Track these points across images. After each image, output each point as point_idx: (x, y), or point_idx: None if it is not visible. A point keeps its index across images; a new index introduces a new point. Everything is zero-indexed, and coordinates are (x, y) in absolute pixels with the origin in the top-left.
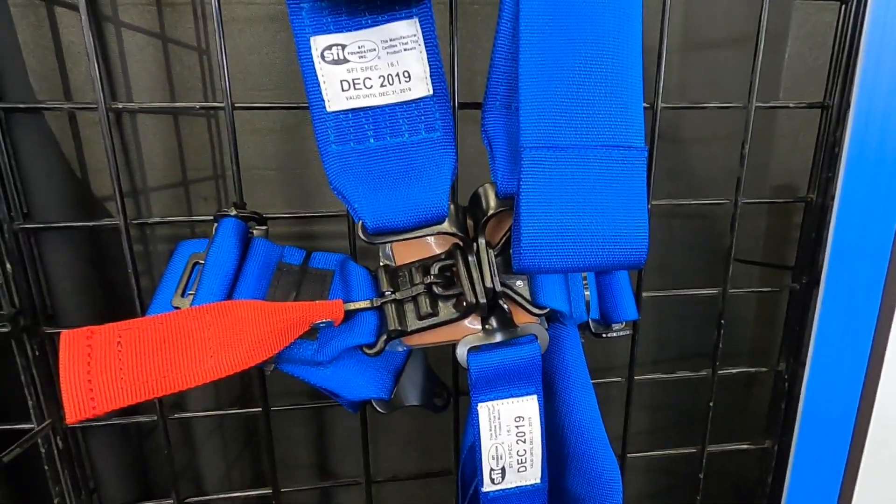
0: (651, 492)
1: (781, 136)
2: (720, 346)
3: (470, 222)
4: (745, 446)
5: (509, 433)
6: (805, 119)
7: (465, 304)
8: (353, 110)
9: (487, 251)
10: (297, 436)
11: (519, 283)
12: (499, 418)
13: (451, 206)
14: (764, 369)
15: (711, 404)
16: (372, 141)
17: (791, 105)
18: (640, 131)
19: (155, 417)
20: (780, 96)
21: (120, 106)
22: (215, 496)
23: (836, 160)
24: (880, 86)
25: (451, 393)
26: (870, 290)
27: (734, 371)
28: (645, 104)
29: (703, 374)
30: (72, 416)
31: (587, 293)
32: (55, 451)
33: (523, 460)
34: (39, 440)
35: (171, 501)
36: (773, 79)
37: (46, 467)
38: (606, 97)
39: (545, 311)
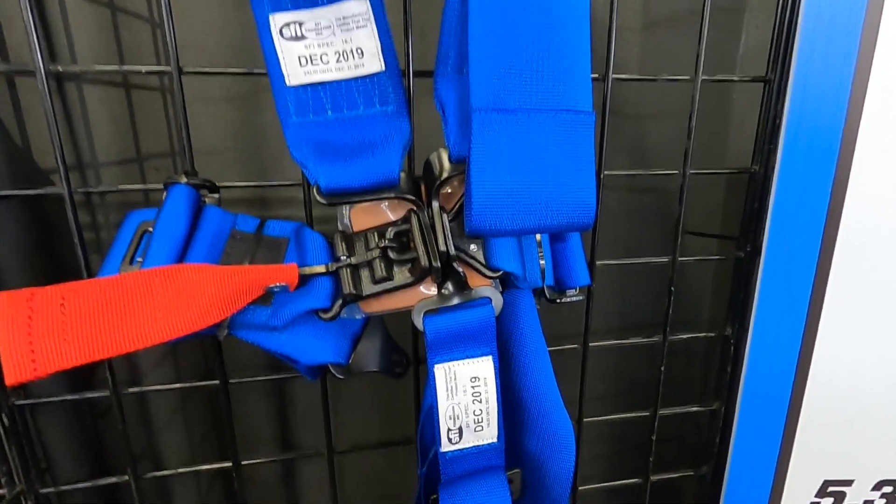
0: (608, 455)
1: (739, 113)
2: (671, 313)
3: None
4: (695, 409)
5: (465, 393)
6: (759, 96)
7: (419, 268)
8: (312, 85)
9: (441, 215)
10: (259, 410)
11: (473, 246)
12: (455, 379)
13: (403, 175)
14: (712, 334)
15: (662, 369)
16: (329, 113)
17: (735, 79)
18: (587, 96)
19: (108, 393)
20: (736, 71)
21: (60, 69)
22: (174, 471)
23: (776, 133)
24: (816, 60)
25: (409, 359)
26: (806, 257)
27: (684, 337)
28: (596, 76)
29: (654, 339)
30: (11, 377)
31: (542, 261)
32: (0, 430)
33: (480, 420)
34: None
35: (128, 477)
36: (730, 54)
37: None
38: (555, 62)
39: (499, 273)
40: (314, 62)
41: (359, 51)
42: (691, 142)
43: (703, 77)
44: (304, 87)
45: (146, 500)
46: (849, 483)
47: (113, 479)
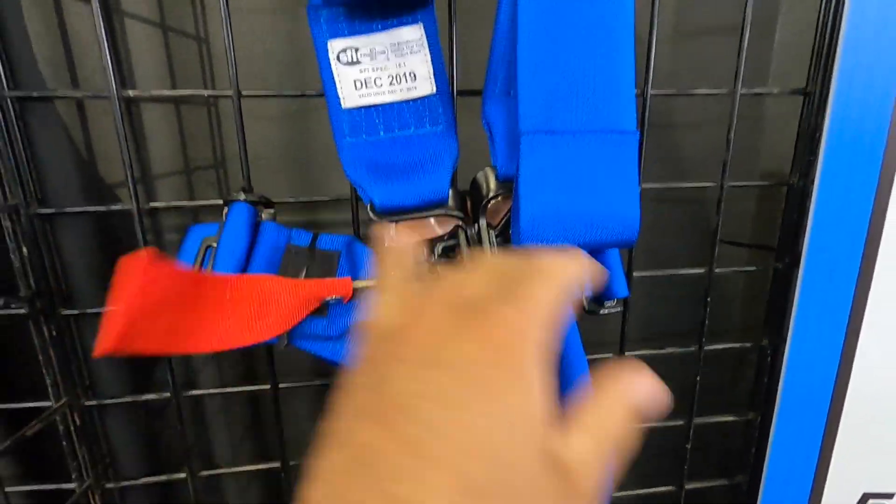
0: (635, 463)
1: (771, 122)
2: (706, 322)
3: (470, 205)
4: (730, 418)
5: None
6: (793, 105)
7: None
8: (366, 107)
9: (488, 231)
10: (303, 413)
11: None
12: None
13: (451, 192)
14: (748, 344)
15: (698, 378)
16: (382, 134)
17: (775, 92)
18: (632, 116)
19: (168, 394)
20: (768, 83)
21: (131, 94)
22: (227, 469)
23: (816, 145)
24: (859, 73)
25: None
26: (847, 269)
27: (720, 347)
28: (636, 91)
29: (690, 349)
30: (105, 345)
31: None
32: (72, 428)
33: None
34: (57, 418)
35: (185, 475)
36: (763, 65)
37: (64, 443)
38: (601, 84)
39: None
40: (368, 86)
41: (412, 75)
42: (730, 154)
43: (742, 91)
44: (359, 109)
45: (199, 496)
46: (889, 496)
47: (172, 476)
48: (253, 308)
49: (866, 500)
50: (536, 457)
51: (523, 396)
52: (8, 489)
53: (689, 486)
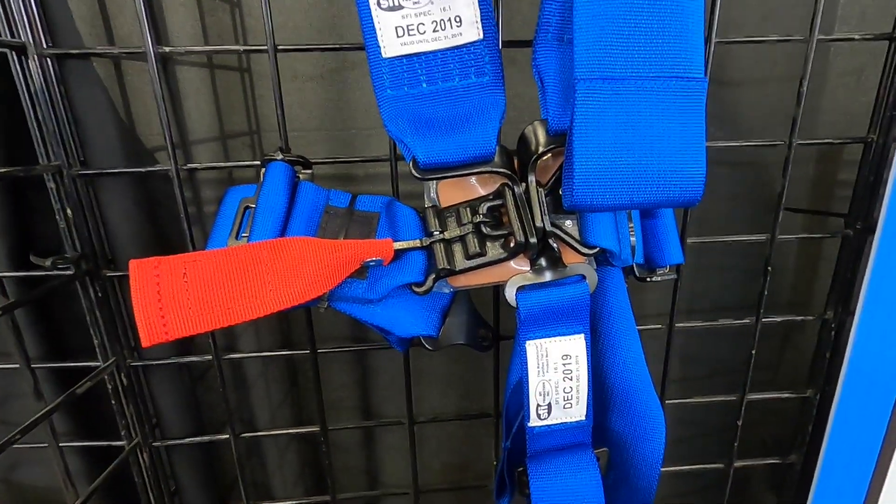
0: (677, 439)
1: (834, 76)
2: (766, 293)
3: (517, 164)
4: (786, 395)
5: (556, 370)
6: (869, 54)
7: (513, 243)
8: (408, 56)
9: (537, 190)
10: (341, 379)
11: (568, 222)
12: (546, 356)
13: (499, 148)
14: (811, 317)
15: (753, 352)
16: (424, 86)
17: (857, 37)
18: (700, 61)
19: (210, 357)
20: (835, 30)
21: (167, 50)
22: (267, 432)
23: None
24: None
25: (495, 332)
26: None
27: (779, 319)
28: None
29: (746, 321)
30: (147, 339)
31: (633, 237)
32: (120, 388)
33: (569, 397)
34: (105, 377)
35: (228, 436)
36: (829, 13)
37: (113, 402)
38: (665, 25)
39: (595, 250)
40: (411, 32)
41: (457, 19)
42: (801, 109)
43: (820, 37)
44: (400, 58)
45: (240, 457)
46: None
47: (215, 437)
48: (291, 269)
49: None
50: None
51: None
52: (63, 445)
53: (738, 463)
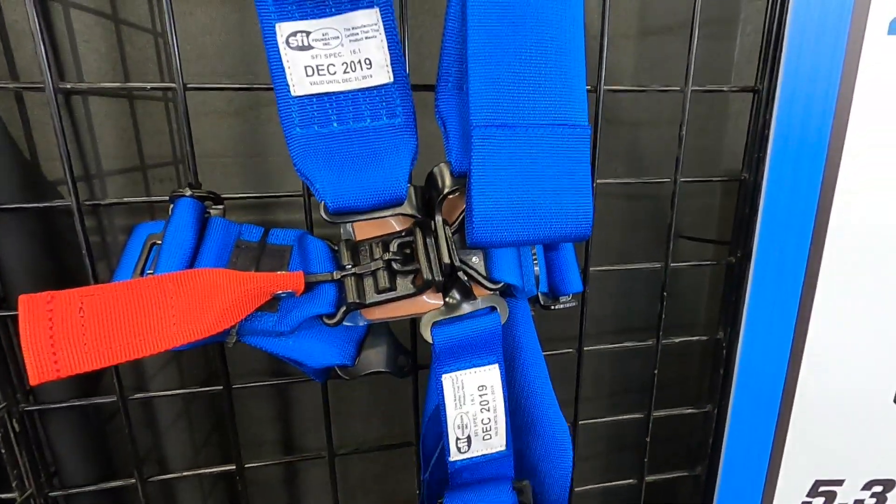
0: (605, 456)
1: (733, 115)
2: (663, 316)
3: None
4: (688, 411)
5: (473, 402)
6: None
7: (422, 280)
8: (318, 95)
9: (444, 228)
10: (262, 415)
11: (475, 258)
12: (462, 388)
13: (411, 188)
14: (704, 338)
15: (656, 372)
16: (335, 125)
17: (724, 89)
18: (583, 110)
19: (114, 398)
20: (732, 77)
21: (69, 86)
22: (179, 474)
23: (765, 142)
24: (803, 70)
25: (413, 358)
26: (795, 261)
27: (677, 341)
28: (589, 87)
29: (648, 343)
30: (35, 377)
31: (536, 269)
32: (11, 435)
33: (488, 428)
34: None
35: (134, 481)
36: (727, 60)
37: (3, 451)
38: (551, 77)
39: (500, 285)
40: (321, 72)
41: (367, 62)
42: (682, 150)
43: (694, 87)
44: (310, 97)
45: (152, 502)
46: (839, 483)
47: (119, 483)
48: (196, 302)
49: (818, 487)
50: None
51: None
52: None
53: (649, 478)
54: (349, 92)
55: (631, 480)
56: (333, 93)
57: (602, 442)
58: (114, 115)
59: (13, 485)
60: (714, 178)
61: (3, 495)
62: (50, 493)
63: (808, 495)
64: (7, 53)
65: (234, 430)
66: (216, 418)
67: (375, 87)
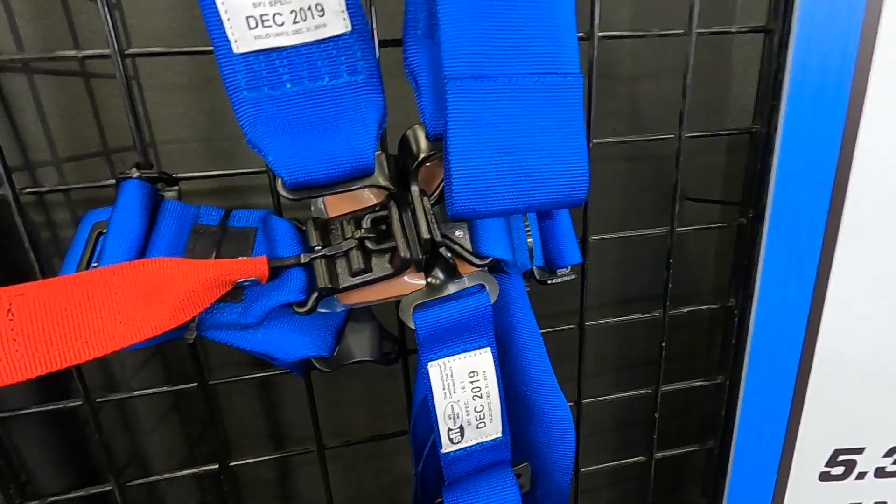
0: (612, 434)
1: (738, 66)
2: (670, 286)
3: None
4: (698, 383)
5: (464, 390)
6: (758, 47)
7: (400, 259)
8: (265, 51)
9: (422, 199)
10: (250, 408)
11: (458, 232)
12: (451, 376)
13: (382, 156)
14: (715, 306)
15: (663, 344)
16: (288, 86)
17: (733, 30)
18: (574, 57)
19: (80, 402)
20: (735, 22)
21: None
22: (158, 477)
23: (779, 88)
24: (820, 6)
25: (401, 343)
26: (813, 221)
27: (685, 310)
28: (581, 34)
29: (654, 315)
30: None
31: (530, 240)
32: None
33: (482, 416)
34: None
35: (111, 486)
36: (728, 5)
37: None
38: (536, 21)
39: (487, 260)
40: (266, 23)
41: (318, 7)
42: (686, 102)
43: (699, 30)
44: (256, 54)
45: None
46: (860, 451)
47: (96, 489)
48: (146, 296)
49: (837, 457)
50: None
51: None
52: None
53: (658, 454)
54: (301, 46)
55: (640, 458)
56: (283, 48)
57: (607, 420)
58: (59, 94)
59: None
60: (722, 132)
61: None
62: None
63: (826, 465)
64: None
65: (215, 427)
66: (208, 416)
67: (332, 39)
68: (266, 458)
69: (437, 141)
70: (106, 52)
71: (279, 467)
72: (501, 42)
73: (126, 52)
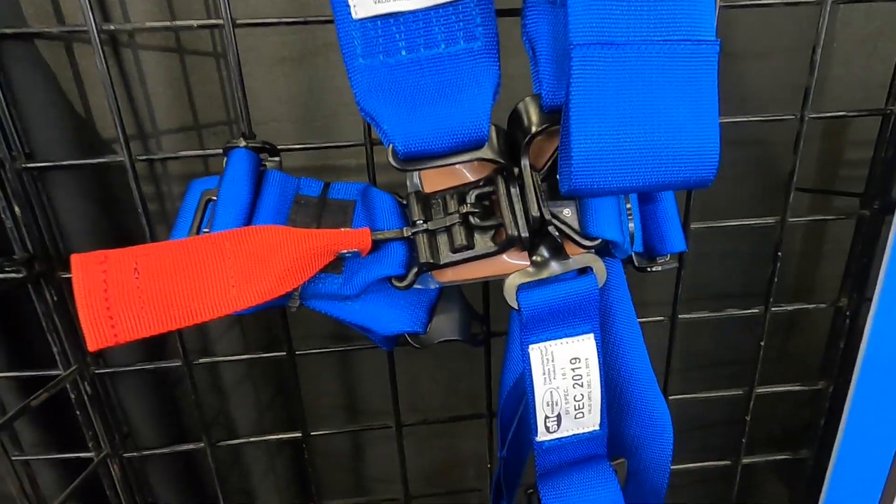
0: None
1: (846, 44)
2: (776, 281)
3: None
4: (797, 387)
5: (564, 377)
6: (886, 17)
7: (504, 236)
8: (383, 17)
9: (532, 175)
10: (326, 379)
11: (566, 211)
12: (552, 361)
13: (493, 129)
14: (823, 305)
15: (762, 343)
16: (404, 53)
17: None
18: (710, 22)
19: (179, 363)
20: None
21: (112, 27)
22: (246, 440)
23: None
24: None
25: (488, 326)
26: None
27: (789, 308)
28: None
29: (755, 311)
30: (92, 343)
31: (631, 224)
32: (84, 397)
33: (581, 406)
34: (68, 385)
35: (203, 444)
36: None
37: (78, 413)
38: None
39: (597, 241)
40: None
41: None
42: (814, 78)
43: None
44: (374, 19)
45: (221, 464)
46: None
47: (189, 446)
48: (255, 263)
49: None
50: None
51: None
52: (28, 458)
53: (746, 460)
54: (419, 11)
55: (726, 462)
56: (401, 13)
57: (688, 419)
58: (165, 69)
59: (89, 445)
60: (853, 113)
61: (81, 454)
62: (125, 455)
63: None
64: (54, 2)
65: (297, 398)
66: (279, 381)
67: (451, 3)
68: (346, 430)
69: (551, 113)
70: (219, 21)
71: (352, 439)
72: (632, 6)
73: (237, 22)
